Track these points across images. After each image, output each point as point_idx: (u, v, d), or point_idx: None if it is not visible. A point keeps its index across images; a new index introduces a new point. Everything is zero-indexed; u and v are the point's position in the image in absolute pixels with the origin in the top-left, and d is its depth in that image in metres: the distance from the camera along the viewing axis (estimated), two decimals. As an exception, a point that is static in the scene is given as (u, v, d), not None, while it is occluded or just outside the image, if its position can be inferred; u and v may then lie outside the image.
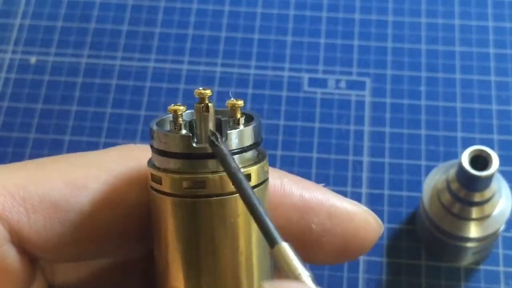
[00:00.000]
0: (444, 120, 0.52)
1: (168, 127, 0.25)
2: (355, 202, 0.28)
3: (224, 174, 0.24)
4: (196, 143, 0.24)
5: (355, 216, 0.28)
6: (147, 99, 0.54)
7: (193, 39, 0.56)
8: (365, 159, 0.51)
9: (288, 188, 0.27)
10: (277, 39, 0.56)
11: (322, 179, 0.50)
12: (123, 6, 0.57)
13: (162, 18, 0.57)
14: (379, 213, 0.29)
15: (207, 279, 0.25)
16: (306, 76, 0.54)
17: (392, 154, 0.51)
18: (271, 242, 0.22)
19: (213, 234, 0.25)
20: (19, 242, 0.25)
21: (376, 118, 0.52)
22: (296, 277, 0.22)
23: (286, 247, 0.22)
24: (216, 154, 0.24)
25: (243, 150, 0.25)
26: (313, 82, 0.54)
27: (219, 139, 0.24)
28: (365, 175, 0.50)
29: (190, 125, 0.25)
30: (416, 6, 0.57)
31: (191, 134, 0.24)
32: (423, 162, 0.51)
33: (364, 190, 0.50)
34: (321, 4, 0.57)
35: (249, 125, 0.25)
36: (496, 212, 0.45)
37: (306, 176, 0.39)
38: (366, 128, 0.52)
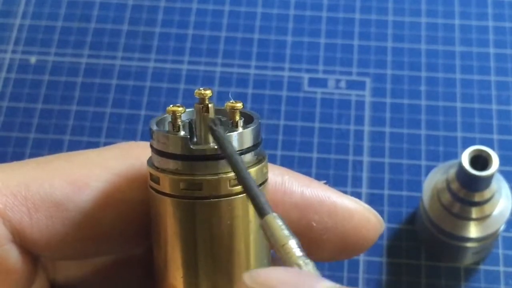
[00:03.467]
0: (444, 120, 0.52)
1: (167, 127, 0.25)
2: (356, 200, 0.28)
3: (221, 176, 0.24)
4: (196, 143, 0.24)
5: (356, 214, 0.28)
6: (147, 99, 0.54)
7: (193, 39, 0.56)
8: (365, 159, 0.51)
9: (289, 186, 0.27)
10: (277, 39, 0.56)
11: (322, 179, 0.50)
12: (123, 6, 0.57)
13: (162, 18, 0.57)
14: (379, 213, 0.29)
15: (205, 278, 0.25)
16: (306, 76, 0.54)
17: (392, 154, 0.51)
18: (260, 213, 0.22)
19: (210, 234, 0.25)
20: (21, 241, 0.25)
21: (376, 118, 0.52)
22: (281, 248, 0.21)
23: (272, 218, 0.22)
24: (214, 137, 0.24)
25: (241, 152, 0.24)
26: (313, 82, 0.54)
27: (217, 124, 0.24)
28: (365, 175, 0.50)
29: (190, 125, 0.25)
30: (416, 6, 0.57)
31: (189, 136, 0.24)
32: (423, 162, 0.51)
33: (364, 190, 0.50)
34: (321, 4, 0.57)
35: (248, 127, 0.25)
36: (496, 212, 0.45)
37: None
38: (366, 128, 0.52)
